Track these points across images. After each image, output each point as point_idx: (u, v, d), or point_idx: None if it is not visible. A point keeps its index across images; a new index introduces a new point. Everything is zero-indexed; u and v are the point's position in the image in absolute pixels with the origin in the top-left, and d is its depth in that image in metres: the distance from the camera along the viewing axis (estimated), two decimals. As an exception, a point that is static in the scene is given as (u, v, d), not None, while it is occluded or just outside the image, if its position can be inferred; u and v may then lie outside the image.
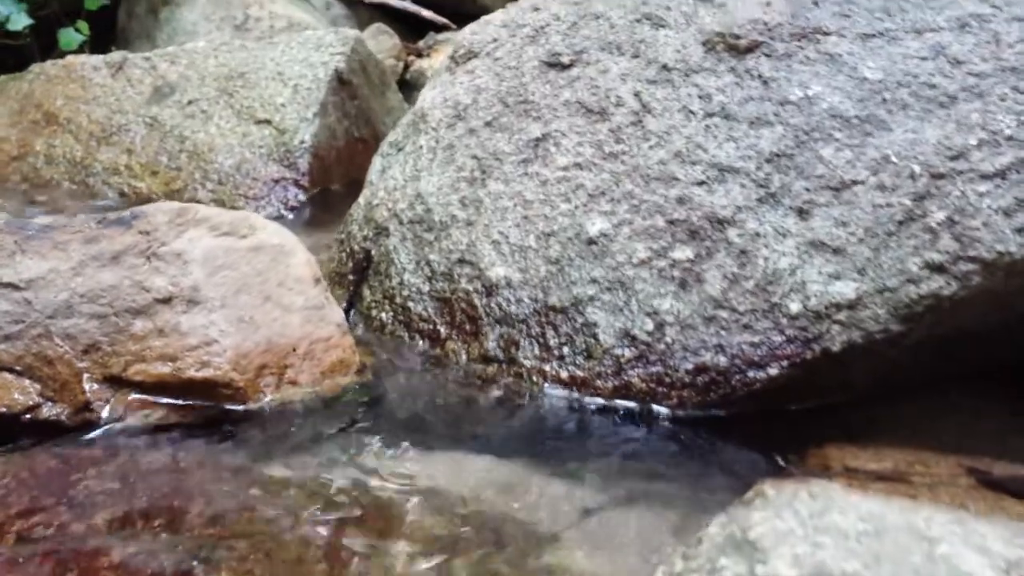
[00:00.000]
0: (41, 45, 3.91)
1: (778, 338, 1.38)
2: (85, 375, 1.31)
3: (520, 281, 1.51)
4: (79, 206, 2.68)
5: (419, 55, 5.21)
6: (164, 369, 1.30)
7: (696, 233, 1.46)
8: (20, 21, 3.64)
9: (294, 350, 1.36)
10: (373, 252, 1.69)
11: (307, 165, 2.66)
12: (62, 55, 3.80)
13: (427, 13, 5.03)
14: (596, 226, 1.50)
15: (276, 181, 2.64)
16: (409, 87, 5.19)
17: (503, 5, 5.68)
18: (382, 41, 5.05)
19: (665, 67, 1.59)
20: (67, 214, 2.56)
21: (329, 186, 2.79)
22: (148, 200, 2.73)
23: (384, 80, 3.13)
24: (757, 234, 1.43)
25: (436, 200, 1.65)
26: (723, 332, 1.40)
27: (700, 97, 1.55)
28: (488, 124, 1.70)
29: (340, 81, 2.84)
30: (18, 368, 1.31)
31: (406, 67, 5.18)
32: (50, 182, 2.91)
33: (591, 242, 1.49)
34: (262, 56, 2.94)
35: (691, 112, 1.54)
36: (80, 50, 3.81)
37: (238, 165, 2.69)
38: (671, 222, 1.47)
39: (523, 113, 1.68)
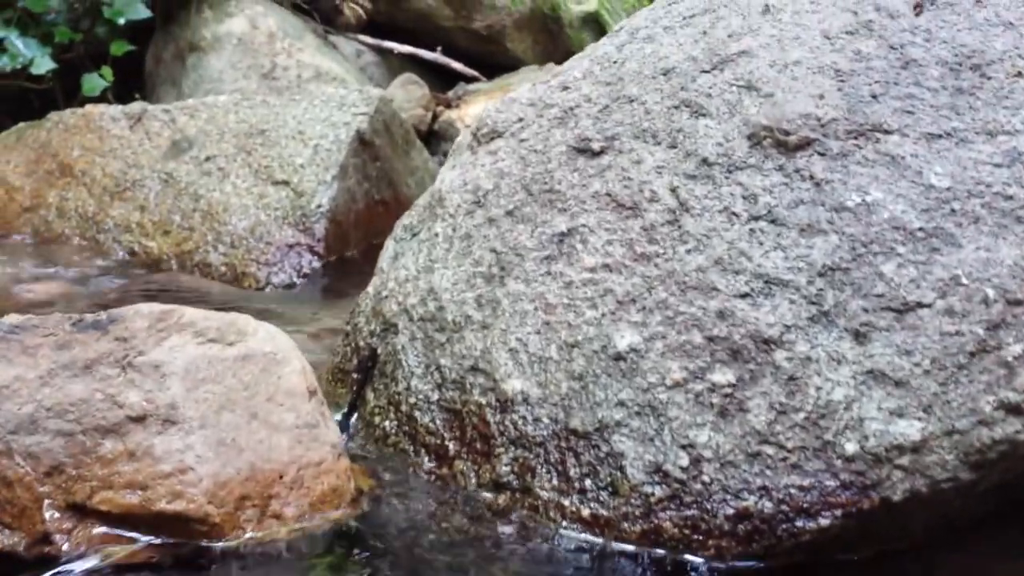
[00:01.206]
0: (66, 89, 3.82)
1: (831, 482, 1.19)
2: (46, 501, 1.14)
3: (538, 397, 1.34)
4: (86, 265, 2.54)
5: (448, 106, 5.08)
6: (133, 499, 1.14)
7: (738, 353, 1.27)
8: (44, 65, 3.54)
9: (280, 477, 1.19)
10: (379, 350, 1.52)
11: (323, 231, 2.51)
12: (85, 101, 3.71)
13: (457, 65, 4.90)
14: (625, 339, 1.32)
15: (290, 246, 2.49)
16: (437, 138, 5.06)
17: (534, 59, 5.56)
18: (411, 91, 4.93)
19: (705, 161, 1.42)
20: (72, 272, 2.43)
21: (346, 252, 2.64)
22: (158, 261, 2.59)
23: (409, 139, 2.99)
24: (808, 359, 1.25)
25: (450, 297, 1.48)
26: (769, 472, 1.21)
27: (744, 197, 1.37)
28: (510, 214, 1.53)
29: (362, 142, 2.70)
30: (-27, 489, 1.15)
31: (434, 118, 5.05)
32: (60, 236, 2.78)
33: (619, 357, 1.32)
34: (284, 113, 2.80)
35: (734, 214, 1.36)
36: (103, 96, 3.71)
37: (252, 228, 2.54)
38: (710, 339, 1.29)
39: (548, 203, 1.51)
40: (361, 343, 1.57)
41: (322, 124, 2.71)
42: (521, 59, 5.51)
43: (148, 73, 4.19)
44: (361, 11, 4.66)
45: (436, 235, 1.59)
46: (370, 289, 1.64)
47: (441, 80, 5.43)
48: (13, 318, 1.24)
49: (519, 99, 1.72)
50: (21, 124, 3.16)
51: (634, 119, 1.53)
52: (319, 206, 2.53)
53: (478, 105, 4.89)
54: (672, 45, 1.61)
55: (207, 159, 2.77)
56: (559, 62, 5.45)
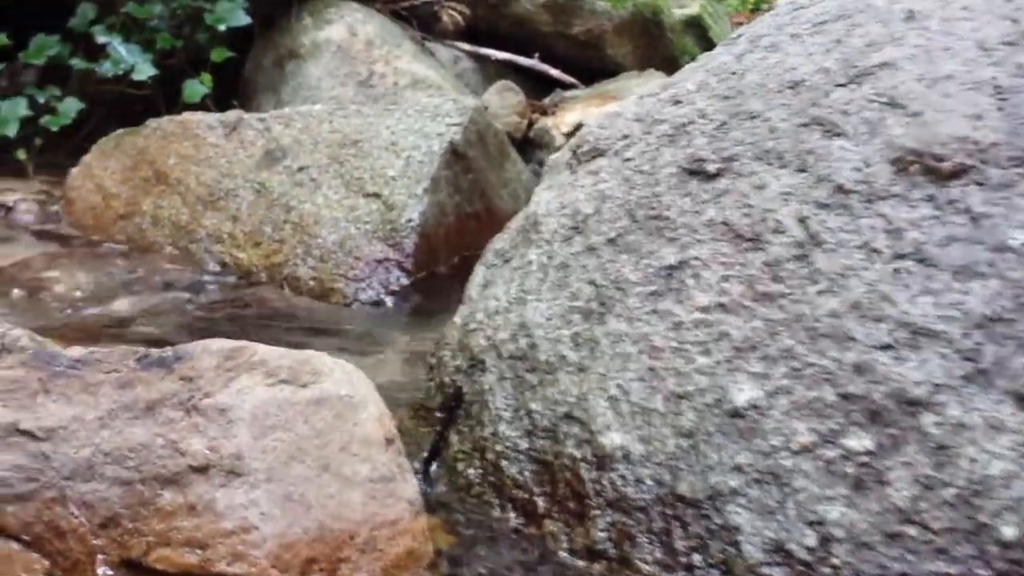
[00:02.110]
0: (167, 95, 3.82)
1: (984, 572, 0.99)
2: (100, 555, 1.04)
3: (641, 455, 1.17)
4: (176, 276, 2.48)
5: (544, 113, 4.93)
6: (191, 558, 1.02)
7: (878, 416, 1.08)
8: (145, 71, 3.53)
9: (352, 539, 1.05)
10: (465, 389, 1.38)
11: (412, 246, 2.39)
12: (186, 107, 3.69)
13: (554, 71, 4.75)
14: (744, 392, 1.15)
15: (379, 262, 2.38)
16: (532, 145, 4.92)
17: (634, 65, 5.36)
18: (507, 98, 4.80)
19: (841, 188, 1.23)
20: (161, 284, 2.37)
21: (435, 268, 2.51)
22: (248, 273, 2.51)
23: (503, 150, 2.85)
24: (961, 424, 1.05)
25: (544, 334, 1.33)
26: (911, 556, 1.02)
27: (887, 232, 1.18)
28: (612, 242, 1.37)
29: (455, 154, 2.57)
30: (26, 537, 1.05)
31: (530, 125, 4.91)
32: (153, 245, 2.73)
33: (736, 414, 1.14)
34: (377, 123, 2.69)
35: (874, 250, 1.17)
36: (203, 103, 3.69)
37: (341, 241, 2.44)
38: (844, 397, 1.11)
39: (655, 232, 1.34)
40: (446, 379, 1.43)
41: (415, 135, 2.60)
42: (620, 64, 5.32)
43: (248, 80, 4.17)
44: (459, 17, 4.56)
45: (530, 263, 1.44)
46: (457, 319, 1.50)
47: (538, 86, 5.29)
48: (75, 351, 1.14)
49: (624, 114, 1.55)
50: (120, 130, 3.14)
51: (756, 138, 1.35)
52: (409, 220, 2.41)
53: (575, 112, 4.73)
54: (800, 55, 1.43)
55: (300, 169, 2.68)
56: (659, 68, 5.26)
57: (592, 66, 5.28)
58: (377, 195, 2.50)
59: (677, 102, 1.51)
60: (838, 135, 1.28)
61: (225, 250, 2.61)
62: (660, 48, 5.47)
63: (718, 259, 1.27)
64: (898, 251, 1.16)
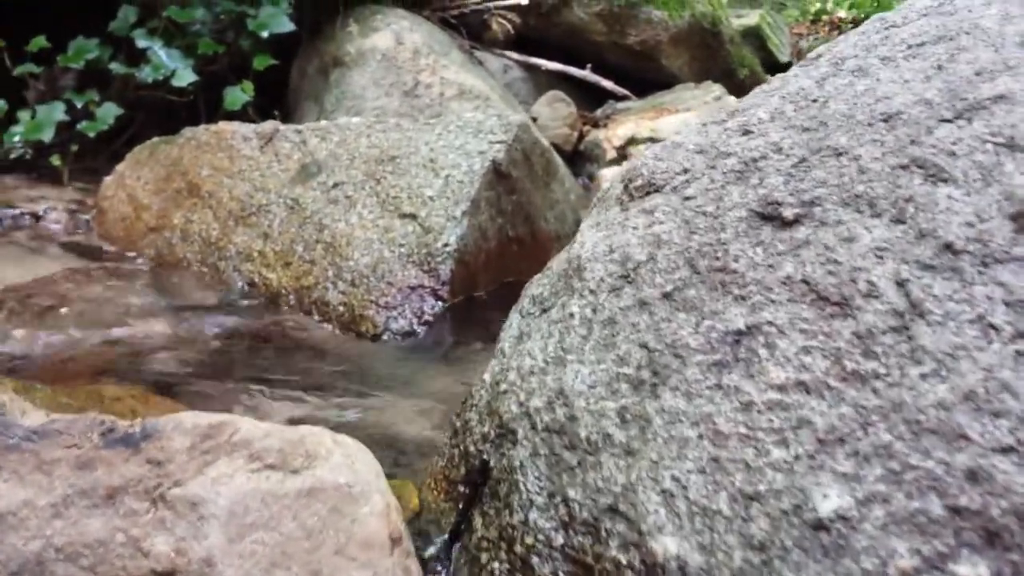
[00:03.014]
0: (208, 102, 3.68)
1: None
2: (43, 674, 0.85)
3: (700, 568, 0.95)
4: (201, 297, 2.31)
5: (595, 125, 4.71)
6: None
7: (997, 537, 0.86)
8: (186, 77, 3.39)
9: (344, 670, 0.86)
10: (492, 463, 1.17)
11: (449, 273, 2.19)
12: (227, 115, 3.55)
13: (607, 83, 4.53)
14: (830, 499, 0.92)
15: (412, 289, 2.19)
16: (582, 158, 4.70)
17: (690, 76, 5.09)
18: (557, 109, 4.59)
19: (949, 247, 1.00)
20: (184, 306, 2.20)
21: (473, 293, 2.31)
22: (276, 295, 2.34)
23: (550, 169, 2.64)
24: (1110, 558, 0.82)
25: (585, 405, 1.12)
26: None
27: (1007, 304, 0.95)
28: (668, 296, 1.15)
29: (497, 174, 2.37)
30: (-38, 645, 0.87)
31: (580, 137, 4.70)
32: (181, 262, 2.58)
33: (820, 525, 0.92)
34: (416, 139, 2.51)
35: (992, 327, 0.94)
36: (244, 111, 3.54)
37: (374, 265, 2.25)
38: (955, 511, 0.88)
39: (721, 287, 1.13)
40: (471, 448, 1.23)
41: (455, 152, 2.40)
42: (676, 76, 5.08)
43: (292, 88, 4.02)
44: (509, 26, 4.36)
45: (571, 316, 1.23)
46: (487, 376, 1.29)
47: (589, 97, 5.07)
48: (34, 418, 0.95)
49: (685, 144, 1.34)
50: (155, 139, 3.00)
51: (843, 180, 1.12)
52: (446, 245, 2.22)
53: (627, 125, 4.50)
54: (895, 82, 1.20)
55: (335, 185, 2.51)
56: (717, 80, 4.99)
57: (646, 77, 5.04)
58: (413, 216, 2.31)
59: (747, 132, 1.29)
60: (944, 181, 1.05)
61: (254, 269, 2.44)
62: (718, 59, 5.22)
63: (797, 325, 1.04)
64: (1021, 329, 0.93)
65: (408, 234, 2.28)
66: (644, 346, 1.13)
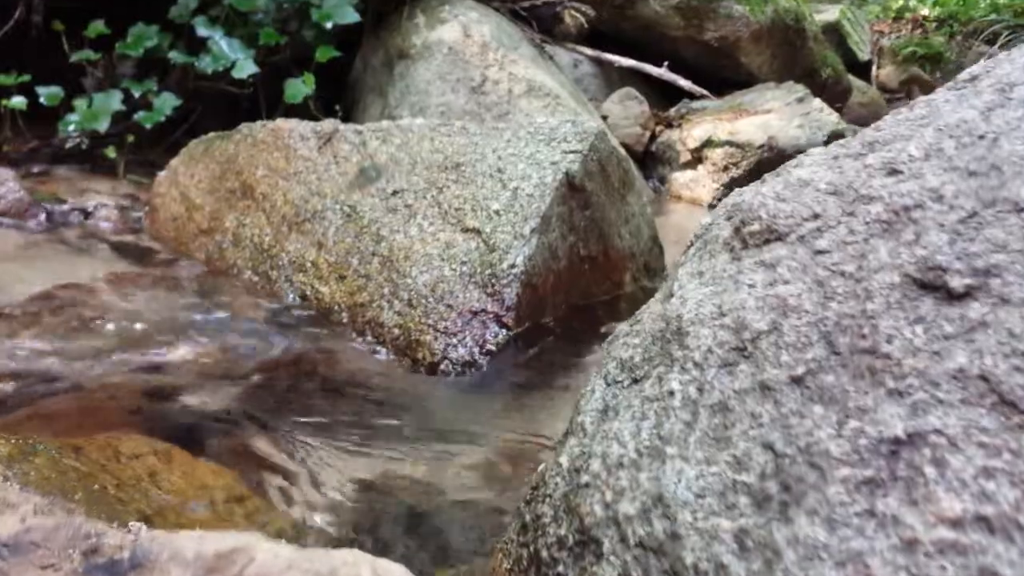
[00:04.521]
0: (269, 94, 3.49)
1: None
2: None
3: None
4: (250, 310, 2.12)
5: (669, 125, 4.43)
6: None
7: None
8: (246, 68, 3.20)
9: None
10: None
11: (514, 298, 1.96)
12: (288, 108, 3.36)
13: (684, 83, 4.24)
14: None
15: (474, 314, 1.96)
16: (654, 160, 4.42)
17: (770, 75, 4.77)
18: (629, 107, 4.32)
19: None
20: (230, 321, 2.01)
21: (541, 319, 2.08)
22: (328, 311, 2.14)
23: (627, 180, 2.39)
24: None
25: (691, 519, 0.88)
26: None
27: None
28: (798, 382, 0.91)
29: (571, 187, 2.13)
30: None
31: (652, 137, 4.42)
32: (231, 268, 2.39)
33: None
34: (483, 145, 2.28)
35: None
36: (305, 104, 3.35)
37: (433, 285, 2.03)
38: None
39: (869, 375, 0.88)
40: (544, 553, 1.00)
41: (525, 162, 2.17)
42: (755, 75, 4.76)
43: (355, 80, 3.82)
44: (582, 19, 4.10)
45: (671, 394, 0.99)
46: (563, 460, 1.06)
47: (662, 95, 4.79)
48: (8, 524, 0.75)
49: (814, 182, 1.08)
50: (211, 134, 2.82)
51: (1033, 246, 0.86)
52: (512, 266, 1.98)
53: (704, 126, 4.21)
54: (1100, 118, 0.93)
55: (394, 193, 2.29)
56: (798, 80, 4.64)
57: (722, 75, 4.74)
58: (478, 231, 2.09)
59: (894, 172, 1.03)
60: None
61: (307, 281, 2.24)
62: (800, 58, 4.88)
63: (975, 438, 0.79)
64: None
65: (471, 251, 2.06)
66: (769, 447, 0.88)
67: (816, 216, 1.04)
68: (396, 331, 2.00)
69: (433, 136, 2.37)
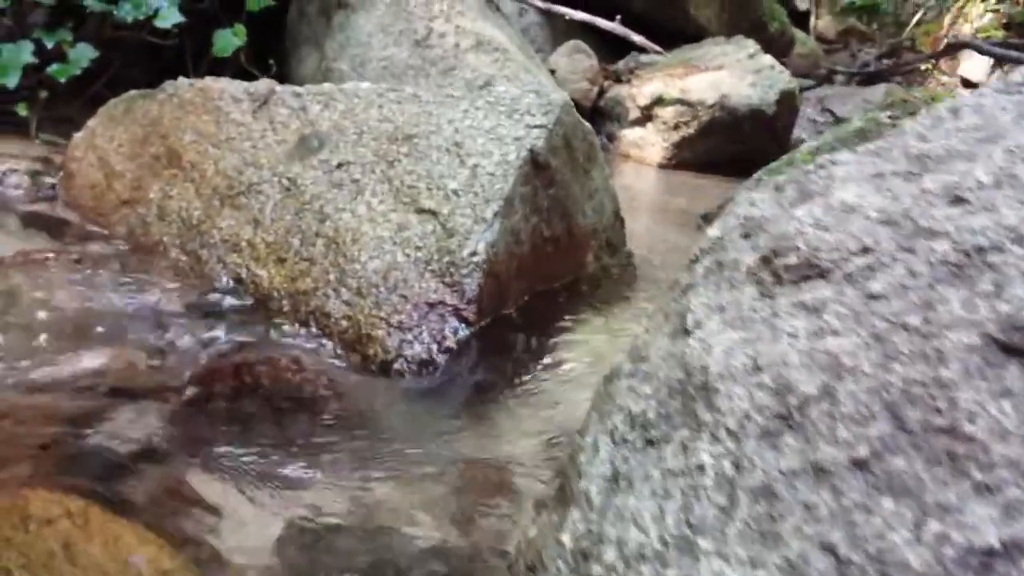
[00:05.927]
0: (196, 46, 3.16)
1: None
2: None
3: None
4: (177, 297, 1.87)
5: (618, 80, 4.21)
6: None
7: None
8: (170, 18, 2.87)
9: None
10: None
11: (476, 289, 1.76)
12: (215, 62, 3.04)
13: (637, 37, 4.02)
14: None
15: (431, 306, 1.75)
16: (602, 116, 4.20)
17: (719, 29, 4.57)
18: (578, 61, 4.08)
19: None
20: (153, 313, 1.76)
21: (503, 310, 1.88)
22: (267, 298, 1.90)
23: (591, 155, 2.18)
24: None
25: (738, 641, 0.71)
26: None
27: None
28: (861, 467, 0.73)
29: (535, 166, 1.92)
30: None
31: (601, 92, 4.20)
32: (157, 245, 2.12)
33: None
34: (438, 115, 2.04)
35: None
36: (236, 57, 3.03)
37: (386, 272, 1.81)
38: None
39: (949, 462, 0.71)
40: (550, 663, 0.82)
41: (485, 136, 1.94)
42: (704, 28, 4.56)
43: (289, 30, 3.50)
44: (533, -31, 3.82)
45: (700, 469, 0.81)
46: (566, 539, 0.87)
47: (608, 47, 4.55)
48: None
49: (862, 208, 0.90)
50: (133, 92, 2.50)
51: None
52: (473, 254, 1.77)
53: (654, 83, 4.00)
54: None
55: (339, 166, 2.05)
56: (747, 34, 4.44)
57: (672, 29, 4.52)
58: (434, 213, 1.87)
59: (959, 200, 0.85)
60: None
61: (242, 263, 1.99)
62: (748, 11, 4.69)
63: (1092, 558, 0.63)
64: None
65: (427, 235, 1.84)
66: (830, 550, 0.71)
67: (866, 250, 0.86)
68: (344, 323, 1.78)
69: (381, 103, 2.12)
